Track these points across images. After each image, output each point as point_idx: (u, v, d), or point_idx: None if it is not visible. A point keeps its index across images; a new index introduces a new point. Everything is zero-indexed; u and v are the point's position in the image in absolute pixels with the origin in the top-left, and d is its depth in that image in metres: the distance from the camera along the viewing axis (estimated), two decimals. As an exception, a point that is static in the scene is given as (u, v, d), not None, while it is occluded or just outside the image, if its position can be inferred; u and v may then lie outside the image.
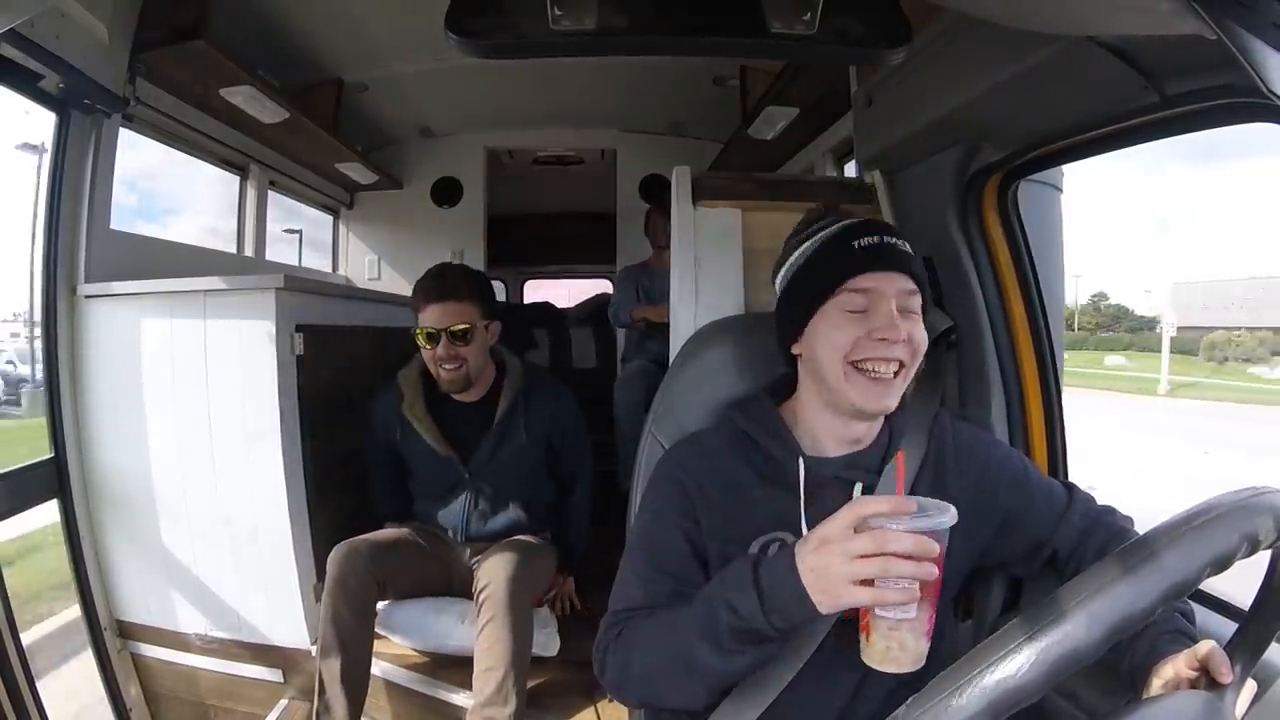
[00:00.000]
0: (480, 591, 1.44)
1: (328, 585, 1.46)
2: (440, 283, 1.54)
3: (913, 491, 0.84)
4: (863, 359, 0.78)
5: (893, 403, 0.81)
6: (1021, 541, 0.87)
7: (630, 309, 2.62)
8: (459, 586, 1.64)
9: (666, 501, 0.85)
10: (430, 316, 1.52)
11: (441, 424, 1.61)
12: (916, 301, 0.81)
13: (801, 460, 0.82)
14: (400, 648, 1.66)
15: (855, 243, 0.80)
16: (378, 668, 1.64)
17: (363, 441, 1.74)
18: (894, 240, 0.81)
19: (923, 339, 0.80)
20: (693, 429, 0.96)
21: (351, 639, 1.43)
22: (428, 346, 1.54)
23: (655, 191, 3.20)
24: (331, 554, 1.49)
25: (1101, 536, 0.84)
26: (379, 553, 1.53)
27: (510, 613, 1.40)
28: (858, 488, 0.83)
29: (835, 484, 0.83)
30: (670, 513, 0.84)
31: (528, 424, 1.64)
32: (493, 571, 1.45)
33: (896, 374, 0.79)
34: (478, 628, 1.42)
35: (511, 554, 1.50)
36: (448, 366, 1.54)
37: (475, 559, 1.62)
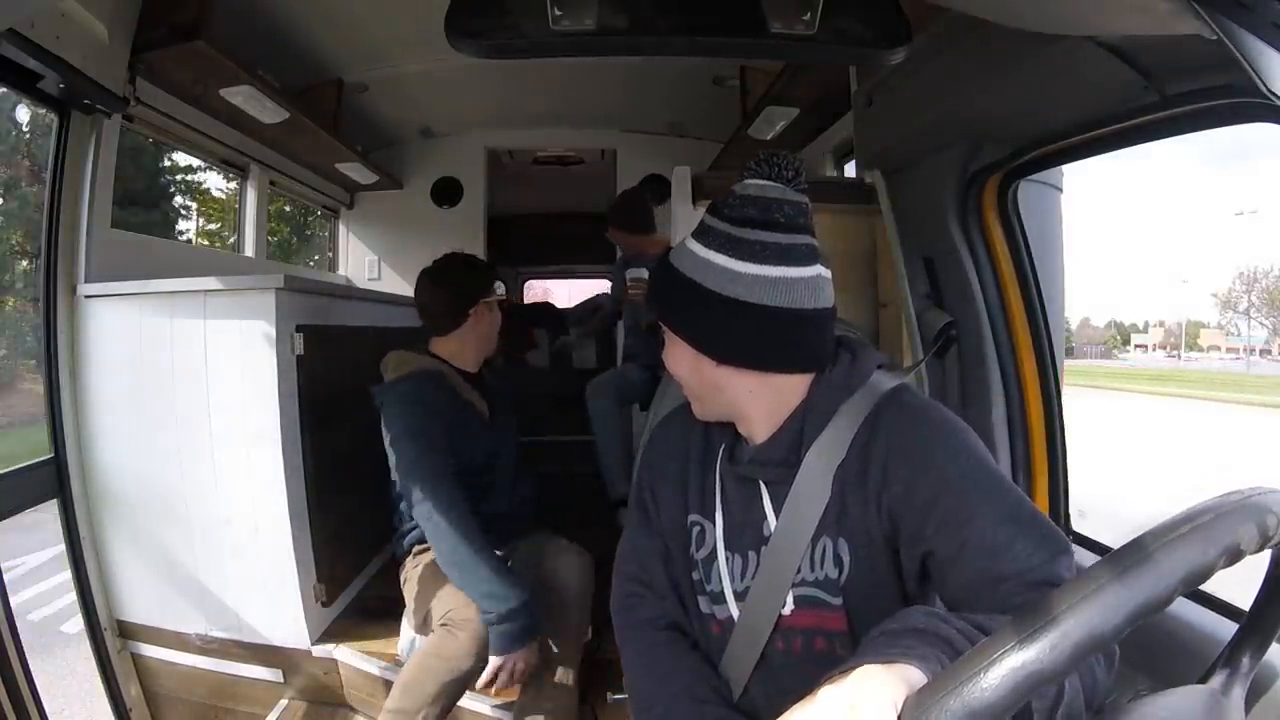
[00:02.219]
0: (548, 591, 1.49)
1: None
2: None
3: (843, 503, 0.72)
4: None
5: (695, 411, 0.82)
6: (947, 591, 0.69)
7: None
8: None
9: (641, 475, 0.90)
10: (499, 291, 1.69)
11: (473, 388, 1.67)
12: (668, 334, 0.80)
13: (723, 447, 0.82)
14: (391, 646, 1.66)
15: None
16: (374, 665, 1.65)
17: (424, 451, 1.45)
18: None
19: (670, 361, 0.80)
20: None
21: None
22: (500, 312, 1.69)
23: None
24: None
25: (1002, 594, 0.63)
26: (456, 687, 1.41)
27: (578, 609, 1.49)
28: (764, 491, 0.77)
29: (744, 481, 0.79)
30: (643, 487, 0.89)
31: (501, 391, 1.76)
32: (561, 570, 1.52)
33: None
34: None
35: (560, 544, 1.59)
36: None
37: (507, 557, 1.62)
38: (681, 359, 0.78)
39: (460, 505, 1.40)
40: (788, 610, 0.74)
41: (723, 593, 0.78)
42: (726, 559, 0.78)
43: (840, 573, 0.73)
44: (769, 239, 0.73)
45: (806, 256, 0.74)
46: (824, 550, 0.73)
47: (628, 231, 2.61)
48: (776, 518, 0.75)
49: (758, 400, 0.77)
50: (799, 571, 0.74)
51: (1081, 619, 0.39)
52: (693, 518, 0.82)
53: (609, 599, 0.90)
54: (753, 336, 0.74)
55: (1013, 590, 0.62)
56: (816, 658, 0.73)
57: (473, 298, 1.64)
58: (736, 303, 0.72)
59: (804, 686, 0.52)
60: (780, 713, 0.50)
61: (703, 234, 0.76)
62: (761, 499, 0.77)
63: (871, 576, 0.72)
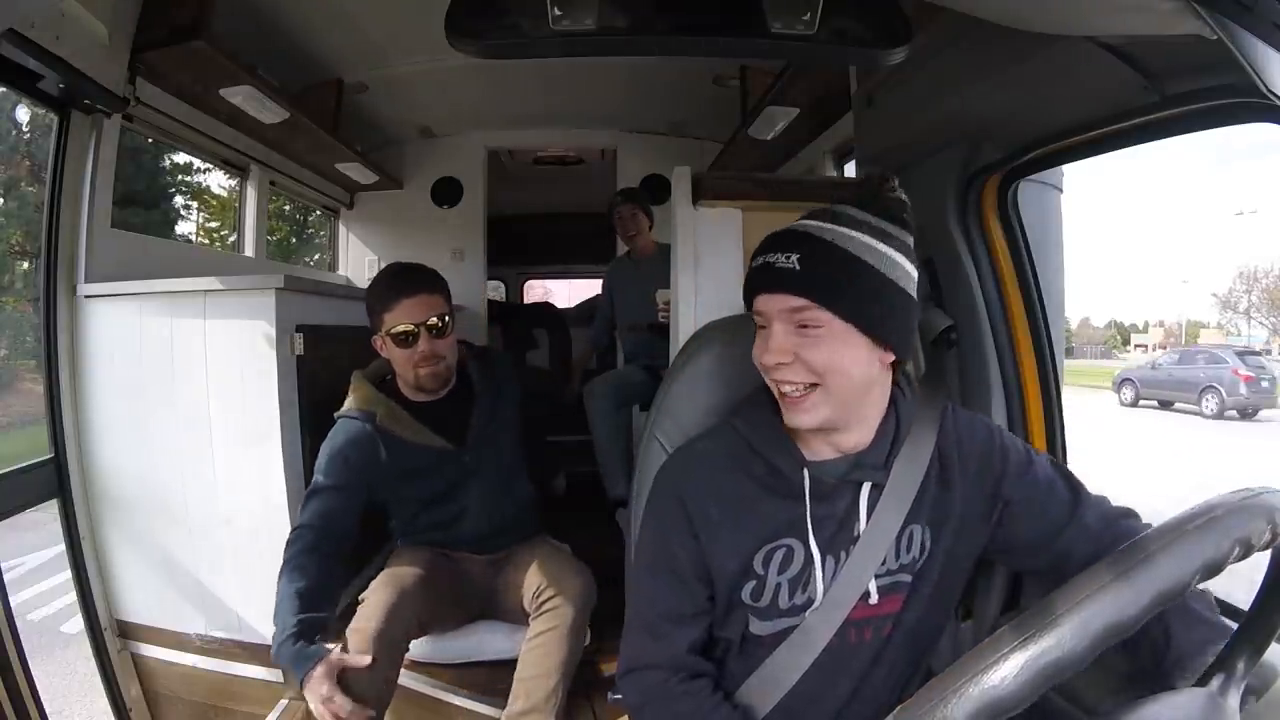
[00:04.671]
0: (544, 600, 1.40)
1: (360, 629, 1.27)
2: (412, 276, 1.40)
3: (922, 488, 0.82)
4: (771, 379, 0.79)
5: (812, 419, 0.76)
6: (1024, 534, 0.83)
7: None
8: (481, 606, 1.56)
9: (666, 520, 0.84)
10: (405, 313, 1.36)
11: (424, 423, 1.47)
12: (815, 317, 0.73)
13: (806, 470, 0.81)
14: None
15: (755, 260, 0.78)
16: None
17: (314, 491, 1.37)
18: (787, 255, 0.74)
19: (826, 358, 0.73)
20: (693, 429, 0.96)
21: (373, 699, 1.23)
22: (403, 347, 1.38)
23: (655, 191, 3.20)
24: (376, 587, 1.34)
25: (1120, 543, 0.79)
26: (424, 586, 1.39)
27: (574, 624, 1.38)
28: (865, 488, 0.82)
29: (842, 486, 0.82)
30: (671, 533, 0.83)
31: (501, 393, 1.55)
32: (555, 581, 1.42)
33: (805, 393, 0.75)
34: (532, 632, 1.39)
35: (562, 560, 1.49)
36: (428, 367, 1.39)
37: (496, 567, 1.56)
38: (855, 357, 0.74)
39: (295, 547, 1.31)
40: (874, 600, 0.81)
41: (808, 601, 0.81)
42: (821, 566, 0.81)
43: (921, 555, 0.83)
44: (907, 238, 0.79)
45: None
46: (910, 536, 0.82)
47: (649, 217, 2.65)
48: (868, 517, 0.81)
49: (880, 399, 0.82)
50: (884, 563, 0.81)
51: (1103, 605, 0.39)
52: (774, 544, 0.81)
53: (606, 603, 0.90)
54: (912, 329, 0.79)
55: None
56: (880, 643, 0.82)
57: (373, 326, 1.41)
58: (906, 295, 0.77)
59: (858, 667, 0.74)
60: (812, 683, 0.70)
61: (854, 223, 0.75)
62: (859, 501, 0.82)
63: (940, 550, 0.83)
